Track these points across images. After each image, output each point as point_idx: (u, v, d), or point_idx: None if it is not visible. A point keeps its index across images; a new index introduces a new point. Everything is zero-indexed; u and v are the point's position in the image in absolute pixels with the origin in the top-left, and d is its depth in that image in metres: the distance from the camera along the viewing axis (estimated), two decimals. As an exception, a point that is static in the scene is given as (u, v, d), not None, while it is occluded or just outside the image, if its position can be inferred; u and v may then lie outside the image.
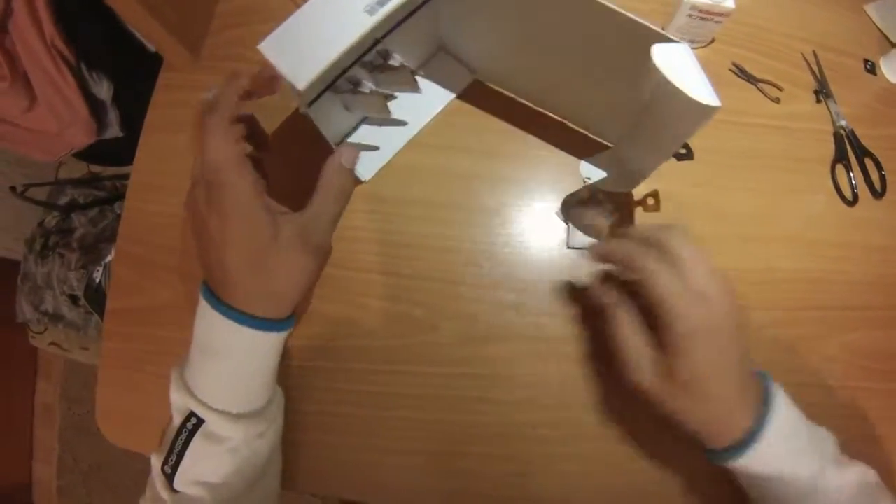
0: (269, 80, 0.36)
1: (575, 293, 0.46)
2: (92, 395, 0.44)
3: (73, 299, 0.87)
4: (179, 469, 0.34)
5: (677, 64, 0.32)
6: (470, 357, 0.44)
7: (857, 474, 0.35)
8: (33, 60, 0.61)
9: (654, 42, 0.32)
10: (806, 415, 0.37)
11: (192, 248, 0.36)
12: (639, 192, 0.47)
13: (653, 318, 0.34)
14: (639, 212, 0.48)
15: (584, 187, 0.47)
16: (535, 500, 0.42)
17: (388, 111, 0.46)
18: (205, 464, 0.34)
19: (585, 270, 0.45)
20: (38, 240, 0.88)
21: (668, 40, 0.33)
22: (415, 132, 0.50)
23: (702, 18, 0.49)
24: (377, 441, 0.42)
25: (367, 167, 0.49)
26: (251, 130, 0.37)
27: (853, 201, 0.51)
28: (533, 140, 0.49)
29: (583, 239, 0.47)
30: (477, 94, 0.50)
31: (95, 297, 0.87)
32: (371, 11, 0.36)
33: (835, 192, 0.51)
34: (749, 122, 0.52)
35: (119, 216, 0.57)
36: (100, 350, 0.45)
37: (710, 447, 0.36)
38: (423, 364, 0.44)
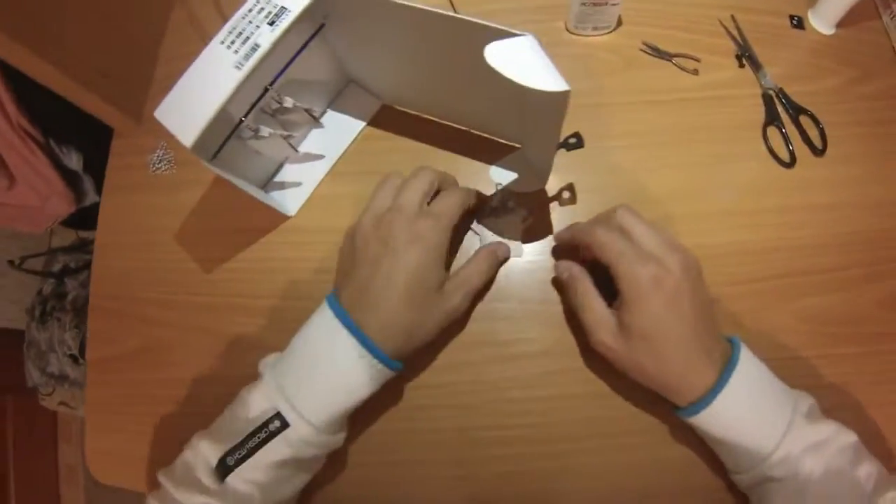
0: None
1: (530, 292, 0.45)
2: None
3: (74, 359, 0.91)
4: (245, 464, 0.33)
5: (516, 57, 0.31)
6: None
7: (831, 433, 0.33)
8: (6, 143, 0.65)
9: (494, 39, 0.32)
10: None
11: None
12: (553, 187, 0.47)
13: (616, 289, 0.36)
14: (556, 208, 0.47)
15: (494, 194, 0.46)
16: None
17: (293, 150, 0.48)
18: (271, 467, 0.34)
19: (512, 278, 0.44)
20: (38, 307, 0.92)
21: (510, 35, 0.32)
22: (332, 163, 0.51)
23: (595, 5, 0.48)
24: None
25: (291, 203, 0.50)
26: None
27: (791, 163, 0.48)
28: (444, 154, 0.49)
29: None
30: (387, 118, 0.51)
31: (89, 354, 0.91)
32: (238, 66, 0.38)
33: (770, 157, 0.48)
34: (667, 99, 0.50)
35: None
36: (84, 398, 0.48)
37: (676, 405, 0.36)
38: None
